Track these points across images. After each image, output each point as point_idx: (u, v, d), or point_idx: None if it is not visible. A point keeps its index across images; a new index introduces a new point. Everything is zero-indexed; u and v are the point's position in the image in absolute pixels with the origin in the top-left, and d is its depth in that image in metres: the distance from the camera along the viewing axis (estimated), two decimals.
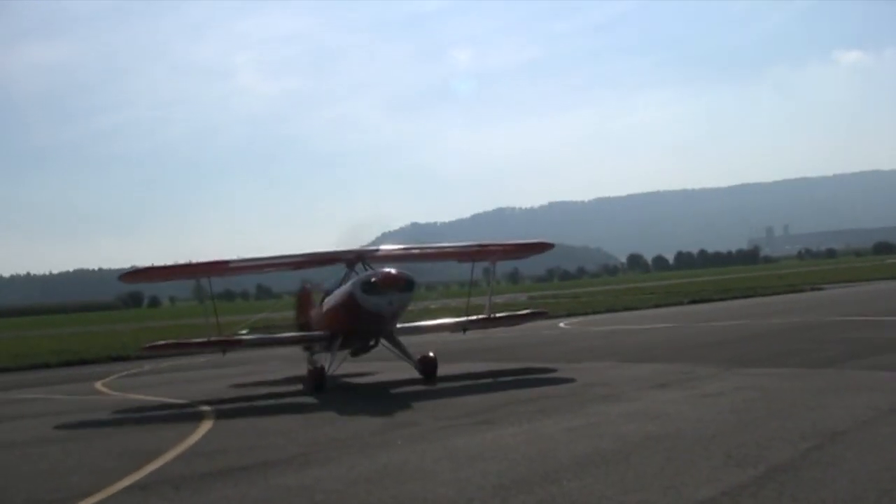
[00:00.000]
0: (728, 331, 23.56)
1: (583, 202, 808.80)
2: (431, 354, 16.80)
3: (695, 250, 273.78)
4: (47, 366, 29.58)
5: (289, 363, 22.22)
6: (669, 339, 22.28)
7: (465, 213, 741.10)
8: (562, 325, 33.03)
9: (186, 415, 13.90)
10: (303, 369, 19.84)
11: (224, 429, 11.99)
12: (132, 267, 19.00)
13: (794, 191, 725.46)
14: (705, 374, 14.03)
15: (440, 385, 15.60)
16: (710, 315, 32.36)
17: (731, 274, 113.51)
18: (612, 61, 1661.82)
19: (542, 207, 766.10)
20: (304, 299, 21.05)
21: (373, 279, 15.72)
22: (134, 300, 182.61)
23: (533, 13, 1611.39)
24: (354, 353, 17.80)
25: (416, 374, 16.62)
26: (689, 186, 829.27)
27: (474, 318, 19.22)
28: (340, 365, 17.36)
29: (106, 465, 9.65)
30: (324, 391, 15.61)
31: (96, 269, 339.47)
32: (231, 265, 18.12)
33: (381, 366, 19.41)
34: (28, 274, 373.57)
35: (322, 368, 16.05)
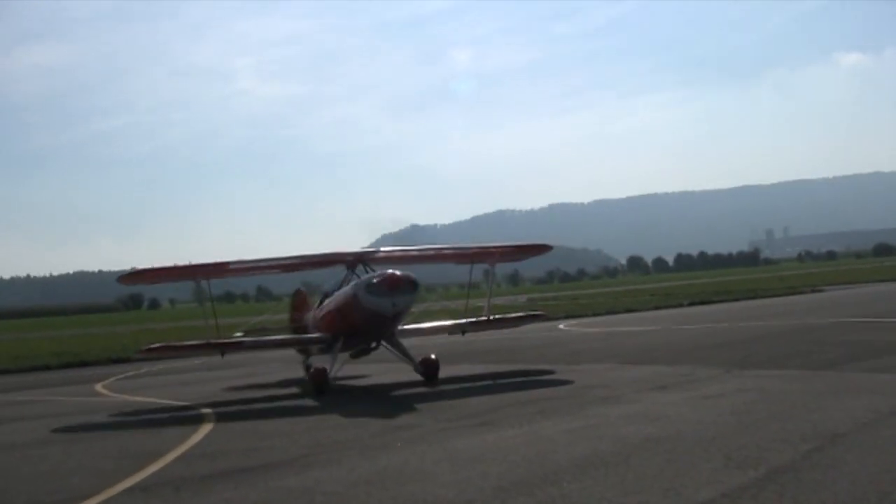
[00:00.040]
0: (728, 333, 23.55)
1: (583, 204, 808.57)
2: (433, 356, 16.79)
3: (695, 252, 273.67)
4: (47, 368, 29.60)
5: (289, 365, 22.20)
6: (669, 341, 22.27)
7: (465, 214, 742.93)
8: (561, 326, 33.03)
9: (187, 417, 13.91)
10: (301, 372, 19.87)
11: (224, 431, 12.00)
12: (132, 269, 18.94)
13: (794, 193, 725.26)
14: (705, 376, 14.03)
15: (440, 387, 15.60)
16: (710, 317, 32.35)
17: (731, 276, 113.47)
18: (612, 63, 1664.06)
19: (542, 209, 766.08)
20: (299, 302, 20.98)
21: (377, 280, 15.67)
22: (134, 302, 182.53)
23: (533, 15, 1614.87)
24: (354, 356, 17.77)
25: (414, 376, 16.63)
26: (689, 188, 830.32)
27: (473, 320, 19.21)
28: (342, 367, 17.34)
29: (106, 467, 9.66)
30: (325, 394, 15.59)
31: (96, 271, 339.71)
32: (230, 267, 18.10)
33: (380, 368, 19.42)
34: (28, 276, 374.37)
35: (324, 371, 15.99)
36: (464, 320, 19.05)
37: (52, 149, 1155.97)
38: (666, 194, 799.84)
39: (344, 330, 16.52)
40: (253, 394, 17.27)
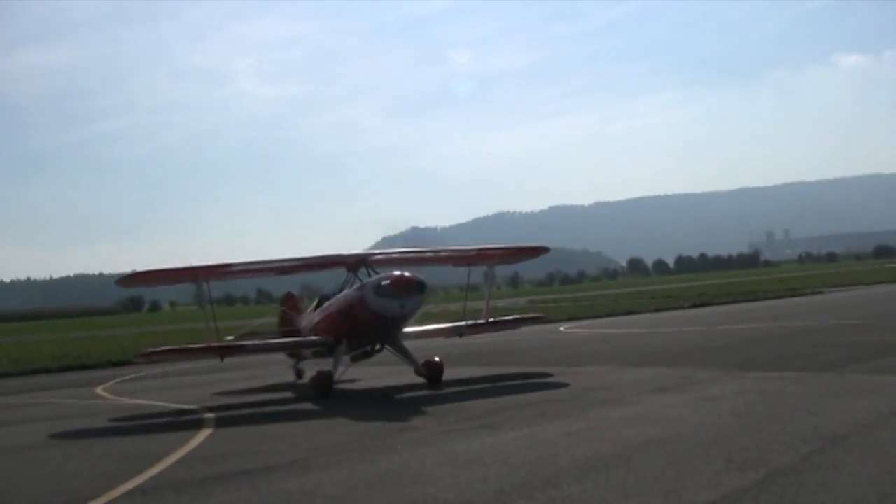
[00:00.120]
0: (729, 335, 23.53)
1: (583, 206, 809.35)
2: (437, 359, 16.76)
3: (695, 254, 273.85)
4: (48, 371, 29.54)
5: (289, 368, 22.16)
6: (670, 343, 22.26)
7: (466, 217, 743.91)
8: (562, 328, 33.00)
9: (187, 419, 13.90)
10: (292, 376, 19.81)
11: (225, 433, 11.99)
12: (132, 271, 18.87)
13: (794, 194, 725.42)
14: (706, 378, 14.03)
15: (442, 390, 15.59)
16: (710, 319, 32.33)
17: (731, 278, 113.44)
18: (612, 65, 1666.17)
19: (542, 211, 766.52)
20: (290, 305, 20.72)
21: (386, 282, 15.58)
22: (135, 305, 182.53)
23: (533, 16, 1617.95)
24: (354, 359, 17.68)
25: (416, 379, 16.61)
26: (689, 190, 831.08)
27: (471, 322, 19.15)
28: (347, 371, 17.30)
29: (107, 470, 9.65)
30: (329, 397, 15.53)
31: (97, 273, 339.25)
32: (229, 269, 18.02)
33: (381, 371, 19.41)
34: (28, 279, 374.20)
35: (329, 374, 15.90)
36: (461, 323, 19.02)
37: (52, 150, 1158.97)
38: (666, 196, 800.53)
39: (348, 332, 16.43)
40: (253, 397, 17.26)
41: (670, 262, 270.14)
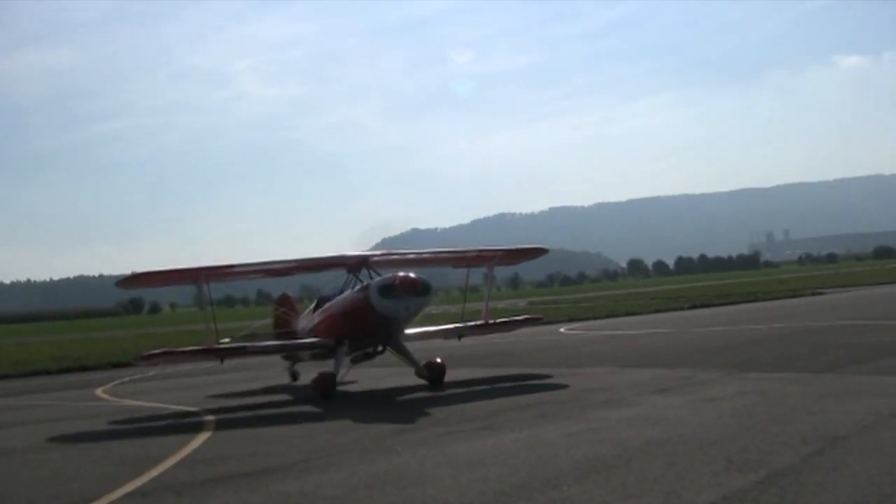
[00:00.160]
0: (729, 336, 23.54)
1: (583, 207, 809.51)
2: (439, 360, 16.75)
3: (695, 255, 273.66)
4: (48, 372, 29.55)
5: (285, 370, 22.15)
6: (670, 345, 22.27)
7: (466, 218, 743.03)
8: (562, 330, 33.01)
9: (187, 421, 13.89)
10: (287, 378, 19.81)
11: (225, 435, 11.98)
12: (132, 273, 18.83)
13: (794, 195, 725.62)
14: (706, 379, 14.03)
15: (441, 392, 15.58)
16: (710, 320, 32.35)
17: (731, 279, 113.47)
18: (612, 65, 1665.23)
19: (542, 213, 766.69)
20: (286, 306, 20.65)
21: (391, 283, 15.56)
22: (135, 306, 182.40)
23: (533, 16, 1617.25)
24: (356, 360, 17.64)
25: (417, 381, 16.59)
26: (689, 191, 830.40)
27: (470, 324, 19.12)
28: (348, 372, 17.27)
29: (106, 472, 9.64)
30: (331, 399, 15.50)
31: (97, 275, 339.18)
32: (229, 270, 18.00)
33: (381, 372, 19.40)
34: (29, 280, 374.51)
35: (332, 376, 15.86)
36: (461, 324, 18.99)
37: (52, 151, 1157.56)
38: (666, 197, 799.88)
39: (350, 334, 16.39)
40: (253, 398, 17.26)
41: (670, 263, 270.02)
